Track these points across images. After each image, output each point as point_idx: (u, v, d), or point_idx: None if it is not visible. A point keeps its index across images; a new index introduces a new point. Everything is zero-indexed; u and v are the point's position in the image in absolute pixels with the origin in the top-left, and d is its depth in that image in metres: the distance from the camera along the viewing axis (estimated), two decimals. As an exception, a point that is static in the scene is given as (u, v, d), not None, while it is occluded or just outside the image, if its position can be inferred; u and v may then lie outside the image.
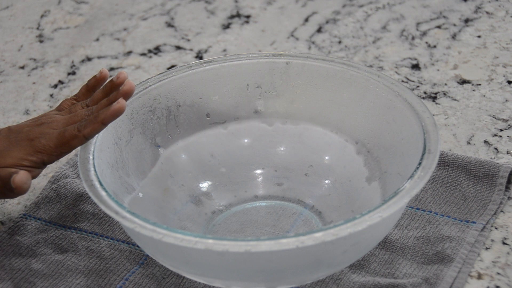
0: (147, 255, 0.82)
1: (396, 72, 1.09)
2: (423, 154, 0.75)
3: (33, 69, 1.14)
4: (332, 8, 1.24)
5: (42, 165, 0.80)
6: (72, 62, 1.16)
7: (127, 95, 0.80)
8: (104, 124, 0.78)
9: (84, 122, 0.78)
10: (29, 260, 0.82)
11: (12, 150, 0.79)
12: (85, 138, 0.78)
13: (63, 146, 0.79)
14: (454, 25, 1.18)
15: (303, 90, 0.89)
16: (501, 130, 0.97)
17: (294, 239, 0.68)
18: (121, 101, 0.78)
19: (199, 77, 0.88)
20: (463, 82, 1.06)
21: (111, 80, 0.82)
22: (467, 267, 0.80)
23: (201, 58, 1.14)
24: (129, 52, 1.16)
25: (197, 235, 0.69)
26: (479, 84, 1.05)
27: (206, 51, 1.16)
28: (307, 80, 0.89)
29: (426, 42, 1.14)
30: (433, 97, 1.03)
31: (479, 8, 1.21)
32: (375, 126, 0.85)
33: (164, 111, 0.88)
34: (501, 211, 0.86)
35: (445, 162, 0.90)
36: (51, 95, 1.09)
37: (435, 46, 1.13)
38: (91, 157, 0.78)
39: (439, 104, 1.02)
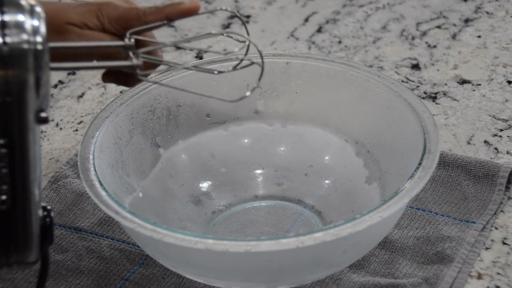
0: (147, 255, 0.82)
1: (396, 72, 1.09)
2: (423, 154, 0.75)
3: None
4: (332, 8, 1.24)
5: (102, 32, 0.76)
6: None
7: (193, 9, 0.75)
8: (168, 18, 0.75)
9: (151, 10, 0.75)
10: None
11: (78, 6, 0.76)
12: (146, 23, 0.75)
13: (124, 21, 0.75)
14: (454, 25, 1.18)
15: (303, 90, 0.89)
16: (501, 130, 0.97)
17: (294, 239, 0.68)
18: (195, 1, 0.75)
19: (199, 77, 0.88)
20: (463, 82, 1.06)
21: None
22: (467, 267, 0.80)
23: (201, 58, 1.14)
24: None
25: (197, 235, 0.69)
26: (479, 84, 1.05)
27: (206, 51, 1.16)
28: (307, 80, 0.89)
29: (426, 42, 1.14)
30: (433, 97, 1.03)
31: (479, 8, 1.21)
32: (375, 126, 0.85)
33: (164, 111, 0.88)
34: (501, 211, 0.86)
35: (445, 162, 0.90)
36: (51, 95, 1.09)
37: (435, 46, 1.13)
38: (91, 157, 0.78)
39: (439, 104, 1.02)
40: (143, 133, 0.86)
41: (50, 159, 0.97)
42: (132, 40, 0.70)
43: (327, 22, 1.21)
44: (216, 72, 0.71)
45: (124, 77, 0.77)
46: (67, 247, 0.84)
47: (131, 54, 0.69)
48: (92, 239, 0.85)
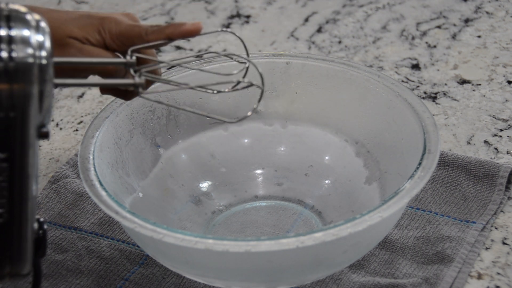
0: (147, 255, 0.82)
1: (396, 72, 1.09)
2: (423, 154, 0.75)
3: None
4: (332, 8, 1.24)
5: (103, 48, 0.76)
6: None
7: (195, 30, 0.75)
8: (169, 38, 0.75)
9: (153, 28, 0.75)
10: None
11: (81, 20, 0.76)
12: (147, 42, 0.75)
13: (125, 38, 0.75)
14: (454, 25, 1.18)
15: (303, 90, 0.89)
16: (501, 130, 0.97)
17: (294, 239, 0.68)
18: (197, 23, 0.75)
19: (199, 78, 0.88)
20: (463, 82, 1.06)
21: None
22: (467, 267, 0.80)
23: (200, 57, 1.14)
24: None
25: (197, 235, 0.69)
26: (479, 84, 1.05)
27: (206, 51, 1.16)
28: (307, 80, 0.89)
29: (426, 42, 1.14)
30: (433, 97, 1.03)
31: (479, 8, 1.21)
32: (375, 126, 0.85)
33: (164, 111, 0.88)
34: (501, 211, 0.86)
35: (445, 162, 0.90)
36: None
37: (435, 46, 1.13)
38: (91, 157, 0.78)
39: (439, 104, 1.02)
40: (143, 133, 0.86)
41: (50, 159, 0.97)
42: (134, 57, 0.70)
43: (327, 22, 1.21)
44: (215, 91, 0.71)
45: (122, 92, 0.78)
46: (67, 247, 0.84)
47: (132, 71, 0.70)
48: (92, 239, 0.85)
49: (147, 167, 0.86)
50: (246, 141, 0.91)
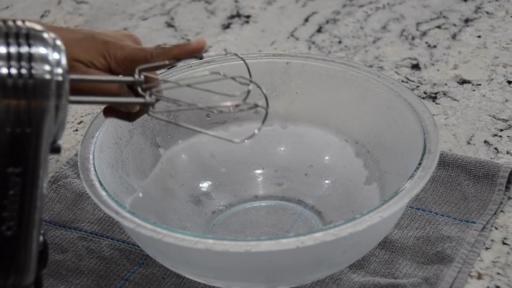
0: (147, 255, 0.82)
1: (396, 72, 1.09)
2: (423, 154, 0.75)
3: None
4: (332, 8, 1.24)
5: (108, 73, 0.77)
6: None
7: (201, 48, 0.77)
8: (176, 58, 0.75)
9: (159, 51, 0.76)
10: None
11: (85, 43, 0.77)
12: (154, 67, 0.76)
13: (130, 62, 0.76)
14: (454, 25, 1.18)
15: (303, 90, 0.89)
16: (501, 130, 0.97)
17: (294, 239, 0.68)
18: (202, 41, 0.76)
19: (199, 77, 0.88)
20: (463, 82, 1.06)
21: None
22: (467, 267, 0.80)
23: (201, 58, 1.14)
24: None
25: (197, 235, 0.69)
26: (479, 84, 1.05)
27: (206, 51, 1.16)
28: (307, 80, 0.89)
29: (426, 42, 1.14)
30: (433, 97, 1.03)
31: (479, 8, 1.21)
32: (375, 126, 0.85)
33: (164, 111, 0.88)
34: (501, 211, 0.86)
35: (445, 162, 0.90)
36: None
37: (435, 46, 1.13)
38: (91, 157, 0.78)
39: (439, 104, 1.02)
40: (143, 133, 0.86)
41: (50, 159, 0.97)
42: (142, 76, 0.71)
43: (327, 22, 1.21)
44: (216, 111, 0.72)
45: (126, 114, 0.78)
46: (67, 247, 0.84)
47: (140, 90, 0.70)
48: (92, 239, 0.85)
49: (147, 167, 0.86)
50: (246, 141, 0.91)
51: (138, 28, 1.22)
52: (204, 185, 0.89)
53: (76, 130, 1.02)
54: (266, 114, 0.71)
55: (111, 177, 0.79)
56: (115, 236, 0.85)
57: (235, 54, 0.77)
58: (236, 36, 1.19)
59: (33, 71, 0.60)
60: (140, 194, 0.83)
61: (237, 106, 0.72)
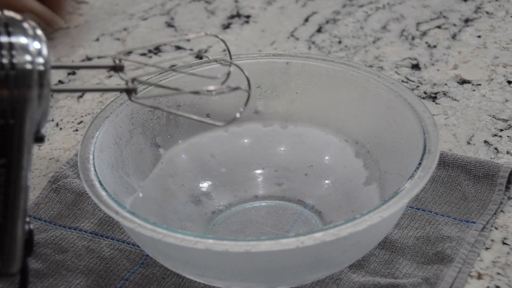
0: (147, 255, 0.82)
1: (396, 72, 1.09)
2: (423, 154, 0.75)
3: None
4: (332, 8, 1.24)
5: None
6: (72, 62, 1.16)
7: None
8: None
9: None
10: (29, 260, 0.82)
11: None
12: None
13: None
14: (454, 25, 1.18)
15: (303, 90, 0.89)
16: (501, 130, 0.97)
17: (294, 239, 0.68)
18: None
19: (197, 78, 0.88)
20: (463, 82, 1.06)
21: None
22: (467, 267, 0.80)
23: (201, 58, 1.14)
24: (129, 52, 1.16)
25: (197, 235, 0.69)
26: (479, 84, 1.05)
27: (206, 51, 1.16)
28: (307, 80, 0.89)
29: (426, 42, 1.14)
30: (433, 97, 1.03)
31: (479, 8, 1.21)
32: (375, 126, 0.85)
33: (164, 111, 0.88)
34: (501, 211, 0.86)
35: (445, 162, 0.90)
36: (51, 95, 1.09)
37: (435, 46, 1.13)
38: (91, 157, 0.78)
39: (439, 104, 1.02)
40: (143, 133, 0.86)
41: (50, 159, 0.97)
42: (122, 61, 0.71)
43: (327, 22, 1.21)
44: (201, 94, 0.72)
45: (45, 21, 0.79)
46: (67, 247, 0.84)
47: (120, 76, 0.71)
48: (92, 239, 0.85)
49: (147, 167, 0.86)
50: (246, 141, 0.91)
51: (138, 28, 1.22)
52: (204, 185, 0.89)
53: (76, 130, 1.02)
54: (249, 96, 0.71)
55: (111, 177, 0.80)
56: (115, 236, 0.85)
57: (216, 36, 0.78)
58: (236, 36, 1.19)
59: (15, 61, 0.60)
60: (140, 194, 0.83)
61: (219, 88, 0.72)
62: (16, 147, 0.62)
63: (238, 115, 0.71)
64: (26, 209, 0.65)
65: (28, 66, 0.60)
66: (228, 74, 0.74)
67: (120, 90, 0.70)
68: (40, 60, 0.61)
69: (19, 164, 0.62)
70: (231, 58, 0.77)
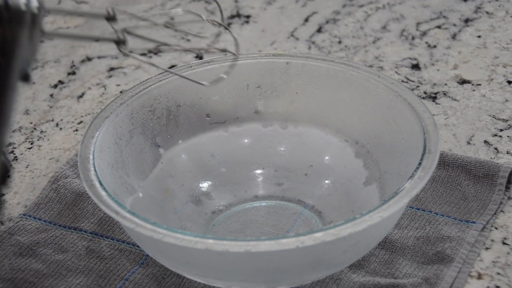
0: (147, 255, 0.82)
1: (396, 72, 1.09)
2: (423, 154, 0.75)
3: (33, 69, 1.14)
4: (332, 8, 1.24)
5: None
6: (72, 62, 1.16)
7: None
8: None
9: None
10: (29, 260, 0.82)
11: None
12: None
13: None
14: (454, 25, 1.18)
15: (303, 90, 0.89)
16: (501, 130, 0.97)
17: (294, 239, 0.68)
18: None
19: (199, 77, 0.88)
20: (463, 82, 1.06)
21: None
22: (467, 267, 0.80)
23: (201, 58, 1.14)
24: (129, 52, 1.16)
25: (197, 235, 0.69)
26: (479, 84, 1.05)
27: (206, 51, 1.16)
28: (307, 80, 0.89)
29: (426, 42, 1.14)
30: (433, 97, 1.03)
31: (479, 8, 1.21)
32: (375, 126, 0.86)
33: (164, 111, 0.88)
34: (501, 211, 0.86)
35: (445, 162, 0.90)
36: (51, 95, 1.09)
37: (435, 46, 1.13)
38: (91, 157, 0.78)
39: (439, 104, 1.02)
40: (143, 133, 0.86)
41: (50, 159, 0.97)
42: (115, 12, 0.72)
43: (327, 22, 1.21)
44: (194, 52, 0.73)
45: None
46: (67, 247, 0.84)
47: (112, 27, 0.72)
48: (92, 239, 0.85)
49: (147, 167, 0.86)
50: (246, 141, 0.91)
51: (138, 28, 1.22)
52: (204, 185, 0.89)
53: (76, 130, 1.02)
54: (236, 59, 0.71)
55: (111, 177, 0.80)
56: (115, 236, 0.85)
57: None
58: (236, 36, 1.19)
59: (10, 2, 0.62)
60: (140, 194, 0.83)
61: (209, 46, 0.73)
62: (2, 85, 0.63)
63: (224, 76, 0.72)
64: (5, 143, 0.66)
65: (22, 6, 0.62)
66: (218, 35, 0.74)
67: (112, 40, 0.71)
68: (34, 2, 0.63)
69: (4, 100, 0.64)
70: (222, 20, 0.77)
